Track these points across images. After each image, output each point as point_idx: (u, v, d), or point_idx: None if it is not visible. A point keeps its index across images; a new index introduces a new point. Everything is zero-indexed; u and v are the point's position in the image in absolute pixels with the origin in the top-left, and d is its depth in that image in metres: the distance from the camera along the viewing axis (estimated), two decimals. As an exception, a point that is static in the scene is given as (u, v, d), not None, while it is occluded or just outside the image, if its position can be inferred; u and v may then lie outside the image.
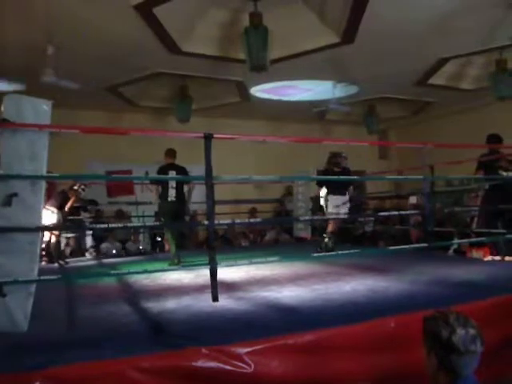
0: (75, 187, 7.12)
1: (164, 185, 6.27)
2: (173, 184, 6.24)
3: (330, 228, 6.42)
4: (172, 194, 6.23)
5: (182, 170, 6.25)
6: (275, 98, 9.41)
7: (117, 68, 7.30)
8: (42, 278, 2.86)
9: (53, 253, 6.99)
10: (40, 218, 2.84)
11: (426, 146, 4.76)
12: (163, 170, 6.27)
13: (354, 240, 9.11)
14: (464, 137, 8.68)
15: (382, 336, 2.68)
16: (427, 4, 5.58)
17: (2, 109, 2.74)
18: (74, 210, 7.80)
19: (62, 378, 2.11)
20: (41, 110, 2.80)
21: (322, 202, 6.81)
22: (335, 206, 6.42)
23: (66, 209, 6.99)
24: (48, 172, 2.94)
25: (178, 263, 6.09)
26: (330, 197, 6.48)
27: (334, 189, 6.49)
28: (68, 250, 8.10)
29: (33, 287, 2.78)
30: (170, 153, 6.45)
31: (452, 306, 2.25)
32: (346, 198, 6.57)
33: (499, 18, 5.88)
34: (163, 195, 6.25)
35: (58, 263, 6.93)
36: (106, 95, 8.58)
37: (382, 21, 5.93)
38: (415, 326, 2.10)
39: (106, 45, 6.36)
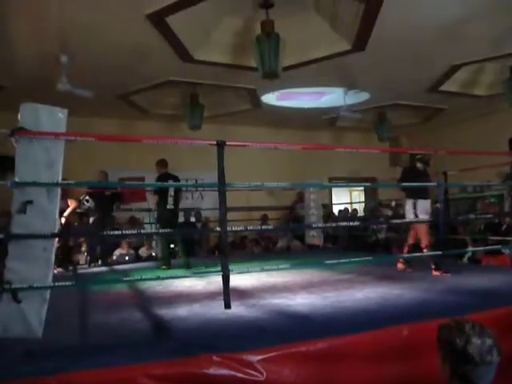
0: (81, 198, 7.21)
1: (164, 193, 6.64)
2: (171, 192, 6.66)
3: (424, 241, 5.40)
4: (170, 201, 6.65)
5: (177, 179, 6.75)
6: (287, 104, 9.43)
7: (129, 76, 7.39)
8: (56, 284, 2.89)
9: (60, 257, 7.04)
10: (55, 224, 2.87)
11: (437, 153, 4.73)
12: (163, 178, 6.64)
13: (367, 247, 9.05)
14: (477, 143, 8.63)
15: (395, 344, 2.66)
16: (438, 11, 5.56)
17: (19, 117, 2.79)
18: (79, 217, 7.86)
19: (74, 384, 2.14)
20: (56, 117, 2.85)
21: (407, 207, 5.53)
22: (426, 211, 5.42)
23: (65, 214, 6.80)
24: (63, 179, 2.98)
25: (189, 268, 6.32)
26: (420, 201, 5.38)
27: (423, 192, 5.42)
28: (83, 257, 8.13)
29: (47, 293, 2.81)
30: (164, 163, 6.87)
31: (466, 315, 2.23)
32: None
33: (511, 24, 5.84)
34: (163, 203, 6.61)
35: (64, 268, 6.97)
36: (118, 103, 8.67)
37: (393, 28, 5.92)
38: (428, 335, 2.08)
39: (118, 53, 6.44)
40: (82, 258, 8.12)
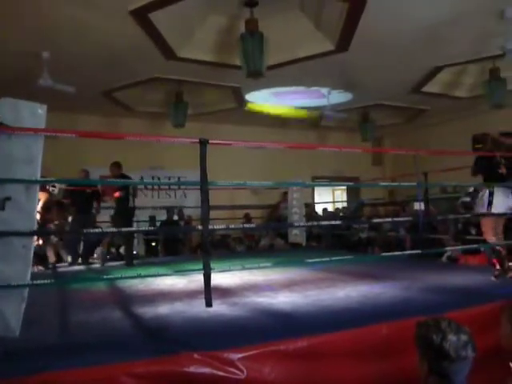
0: (47, 187, 7.04)
1: (127, 191, 7.02)
2: (131, 191, 7.09)
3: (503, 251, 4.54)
4: (130, 200, 7.08)
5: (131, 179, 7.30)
6: (273, 103, 9.44)
7: (112, 73, 7.31)
8: (35, 282, 2.85)
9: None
10: (34, 221, 2.83)
11: (418, 153, 4.79)
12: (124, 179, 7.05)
13: (349, 246, 9.13)
14: (459, 144, 8.75)
15: (375, 342, 2.70)
16: (421, 13, 5.64)
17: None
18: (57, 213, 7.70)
19: (53, 384, 2.11)
20: (36, 113, 2.80)
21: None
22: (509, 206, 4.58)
23: (39, 209, 6.68)
24: (42, 176, 2.94)
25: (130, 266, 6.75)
26: (497, 191, 4.48)
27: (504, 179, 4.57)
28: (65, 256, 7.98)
29: (26, 292, 2.76)
30: (119, 165, 7.21)
31: (444, 313, 2.27)
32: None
33: (491, 27, 5.95)
34: (125, 201, 6.97)
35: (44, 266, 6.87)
36: (102, 100, 8.59)
37: (376, 29, 5.98)
38: (408, 333, 2.11)
39: (101, 50, 6.36)
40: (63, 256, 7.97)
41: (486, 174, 4.76)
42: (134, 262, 7.23)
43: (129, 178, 7.21)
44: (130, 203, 7.06)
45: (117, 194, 7.00)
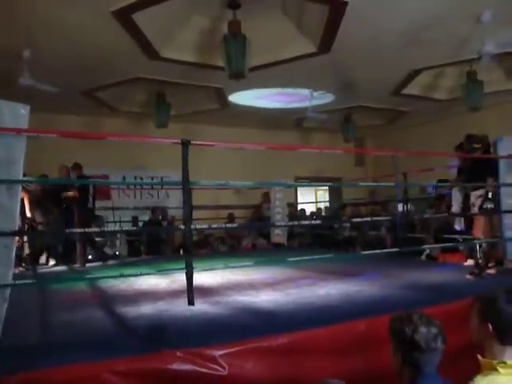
0: (24, 185, 6.96)
1: (86, 192, 7.09)
2: (91, 192, 7.18)
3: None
4: (91, 201, 7.16)
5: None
6: (254, 104, 9.50)
7: (95, 73, 7.28)
8: (17, 282, 2.85)
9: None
10: (16, 222, 2.83)
11: (397, 154, 4.90)
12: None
13: (331, 245, 9.24)
14: (437, 145, 8.95)
15: (353, 338, 2.77)
16: (400, 16, 5.75)
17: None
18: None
19: (35, 383, 2.12)
20: (19, 113, 2.80)
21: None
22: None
23: (28, 212, 6.70)
24: (24, 176, 2.94)
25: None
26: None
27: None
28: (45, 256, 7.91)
29: (7, 292, 2.76)
30: (79, 166, 7.30)
31: (419, 309, 2.35)
32: None
33: (468, 31, 6.10)
34: (84, 202, 7.03)
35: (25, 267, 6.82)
36: (84, 100, 8.53)
37: (356, 32, 6.09)
38: (385, 328, 2.19)
39: (83, 49, 6.33)
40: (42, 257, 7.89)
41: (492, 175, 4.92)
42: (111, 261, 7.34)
43: (90, 178, 7.60)
44: (90, 204, 7.15)
45: (71, 194, 7.01)
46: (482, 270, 4.61)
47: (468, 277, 4.56)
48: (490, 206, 4.79)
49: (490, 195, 4.77)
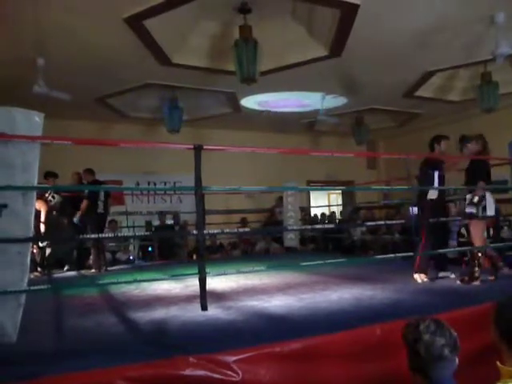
0: (46, 195, 7.10)
1: (95, 198, 7.09)
2: (101, 198, 7.15)
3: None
4: (101, 206, 7.13)
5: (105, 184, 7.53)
6: (267, 109, 9.51)
7: (107, 79, 7.35)
8: (31, 288, 2.88)
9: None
10: (30, 228, 2.86)
11: (409, 157, 4.85)
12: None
13: (343, 249, 9.17)
14: (451, 148, 8.84)
15: (368, 343, 2.73)
16: (413, 19, 5.71)
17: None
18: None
19: (50, 388, 2.13)
20: (33, 121, 2.83)
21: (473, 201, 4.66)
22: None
23: (42, 220, 6.83)
24: (38, 183, 2.97)
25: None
26: (488, 195, 4.63)
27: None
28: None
29: (23, 298, 2.79)
30: (91, 171, 7.30)
31: (434, 314, 2.32)
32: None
33: (482, 33, 6.04)
34: (93, 208, 7.04)
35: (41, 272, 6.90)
36: (96, 106, 8.62)
37: (368, 35, 6.05)
38: (399, 334, 2.15)
39: (95, 56, 6.40)
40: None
41: (482, 177, 4.73)
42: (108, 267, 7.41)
43: (103, 183, 7.51)
44: (100, 209, 7.17)
45: (83, 206, 7.05)
46: (472, 277, 4.44)
47: (458, 283, 4.45)
48: (471, 210, 4.58)
49: (475, 199, 4.54)
